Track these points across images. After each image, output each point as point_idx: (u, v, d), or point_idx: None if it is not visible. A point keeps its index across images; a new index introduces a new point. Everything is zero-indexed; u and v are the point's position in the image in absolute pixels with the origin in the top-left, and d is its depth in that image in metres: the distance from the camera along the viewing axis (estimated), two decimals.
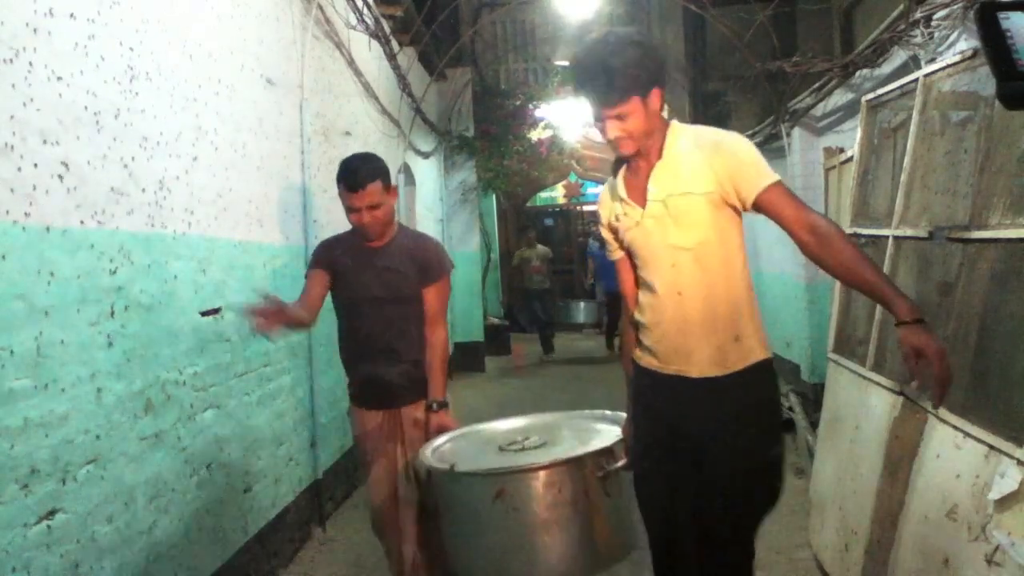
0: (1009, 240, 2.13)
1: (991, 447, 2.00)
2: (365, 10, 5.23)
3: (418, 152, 7.86)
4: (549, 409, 2.92)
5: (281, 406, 3.72)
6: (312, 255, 2.91)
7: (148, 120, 2.58)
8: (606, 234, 2.21)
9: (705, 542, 2.02)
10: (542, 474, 2.07)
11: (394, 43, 6.25)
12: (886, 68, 4.62)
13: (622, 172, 2.12)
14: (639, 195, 2.05)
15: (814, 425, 4.44)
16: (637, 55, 1.90)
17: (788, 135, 6.49)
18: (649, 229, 2.03)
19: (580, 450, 2.19)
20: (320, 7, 4.48)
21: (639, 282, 2.14)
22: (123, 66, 2.44)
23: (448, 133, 9.18)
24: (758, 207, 1.94)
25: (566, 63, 9.77)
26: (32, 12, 2.03)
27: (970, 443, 2.11)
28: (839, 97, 5.63)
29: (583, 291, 13.49)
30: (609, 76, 1.90)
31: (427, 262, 2.78)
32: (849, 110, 5.52)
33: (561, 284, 12.00)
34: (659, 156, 2.02)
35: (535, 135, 10.60)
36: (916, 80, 2.87)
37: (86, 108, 2.24)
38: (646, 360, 2.14)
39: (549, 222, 15.58)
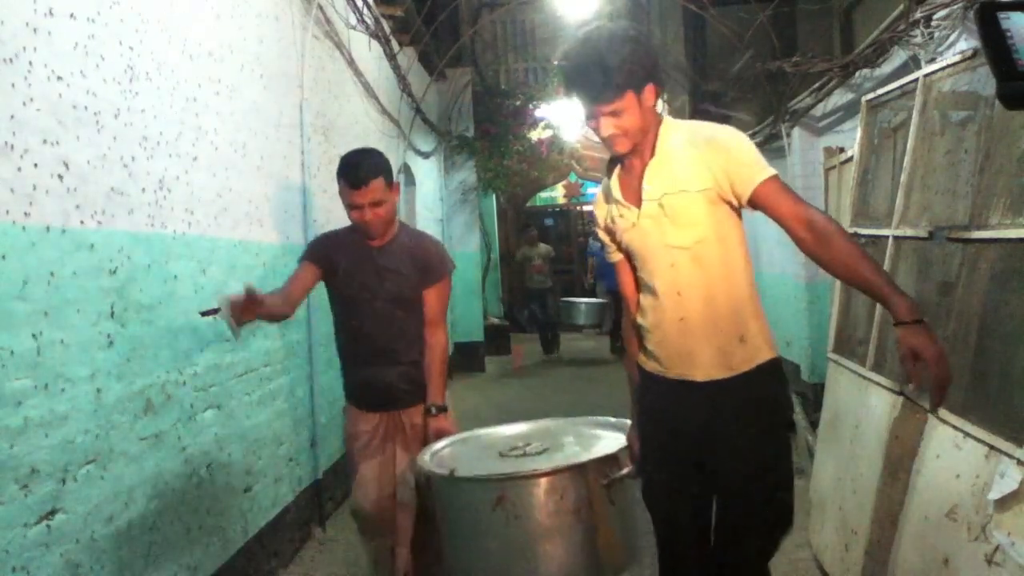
0: (1009, 240, 2.13)
1: (991, 447, 2.00)
2: (365, 10, 5.23)
3: (418, 152, 7.86)
4: (550, 410, 2.89)
5: (281, 406, 3.72)
6: (308, 246, 2.84)
7: (148, 120, 2.58)
8: (603, 236, 2.16)
9: (721, 562, 1.95)
10: (544, 481, 2.02)
11: (394, 43, 6.25)
12: (886, 68, 4.62)
13: (616, 172, 2.07)
14: (634, 195, 2.00)
15: (814, 425, 4.44)
16: (631, 49, 1.85)
17: (788, 135, 6.49)
18: (646, 230, 1.98)
19: (583, 457, 2.14)
20: (320, 7, 4.48)
21: (639, 284, 2.09)
22: (123, 66, 2.44)
23: (448, 133, 9.18)
24: (754, 203, 1.88)
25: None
26: (32, 12, 2.03)
27: (970, 443, 2.11)
28: (839, 97, 5.63)
29: (583, 291, 13.48)
30: (603, 71, 1.83)
31: (429, 262, 2.72)
32: (849, 110, 5.52)
33: (561, 284, 11.97)
34: (652, 154, 1.96)
35: (535, 135, 10.60)
36: (916, 80, 2.87)
37: (86, 108, 2.24)
38: (650, 365, 2.08)
39: (549, 222, 15.59)
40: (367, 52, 5.63)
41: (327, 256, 2.72)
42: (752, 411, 1.93)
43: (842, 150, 4.82)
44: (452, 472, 2.12)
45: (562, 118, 10.51)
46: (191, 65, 2.90)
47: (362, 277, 2.69)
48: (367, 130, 5.71)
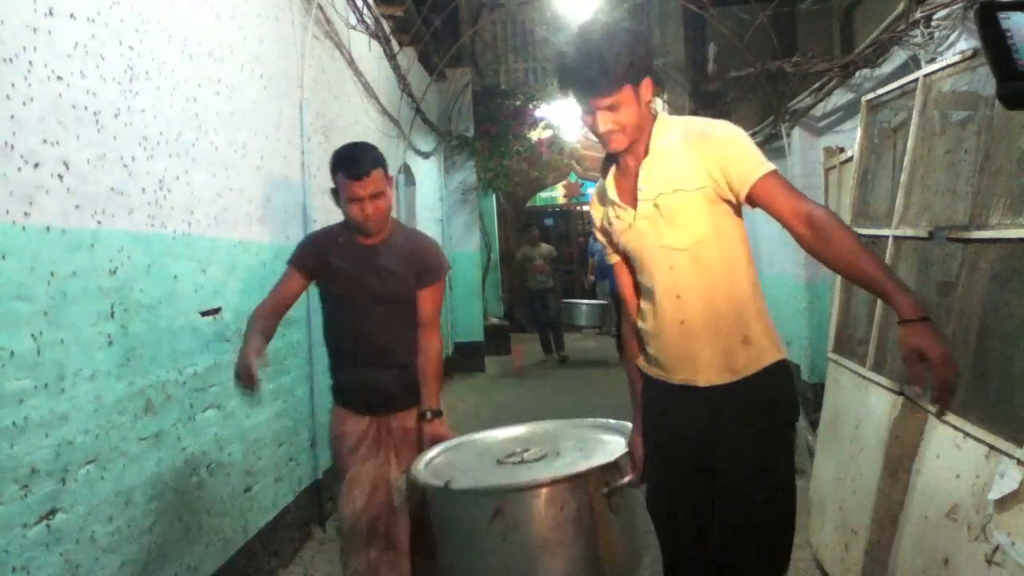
0: (1009, 240, 2.13)
1: (991, 447, 2.00)
2: (365, 10, 5.23)
3: (418, 152, 7.86)
4: (550, 411, 2.86)
5: (281, 406, 3.72)
6: (297, 247, 2.75)
7: (148, 120, 2.58)
8: (601, 237, 2.11)
9: (722, 562, 1.90)
10: (543, 492, 1.94)
11: (394, 43, 6.25)
12: (886, 68, 4.62)
13: (612, 172, 2.01)
14: (629, 196, 1.95)
15: (814, 425, 4.44)
16: (629, 42, 1.82)
17: (788, 135, 6.49)
18: (642, 231, 1.93)
19: (583, 465, 2.05)
20: (320, 7, 4.48)
21: (637, 287, 2.03)
22: (123, 66, 2.44)
23: (448, 133, 9.18)
24: (752, 200, 1.82)
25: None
26: (32, 12, 2.03)
27: (970, 443, 2.11)
28: (839, 97, 5.63)
29: (583, 291, 13.48)
30: (601, 63, 1.79)
31: (426, 263, 2.65)
32: (849, 110, 5.52)
33: (561, 284, 11.97)
34: (646, 153, 1.91)
35: (535, 135, 10.60)
36: (916, 80, 2.87)
37: (86, 108, 2.24)
38: (652, 370, 2.02)
39: (549, 222, 15.60)
40: (367, 52, 5.63)
41: (317, 258, 2.65)
42: (755, 414, 1.88)
43: (842, 150, 4.82)
44: (447, 484, 2.03)
45: (562, 118, 10.51)
46: (191, 65, 2.90)
47: (356, 276, 2.61)
48: (367, 130, 5.71)
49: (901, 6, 4.08)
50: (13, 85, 1.94)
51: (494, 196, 11.51)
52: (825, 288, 5.50)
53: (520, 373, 9.46)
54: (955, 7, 3.61)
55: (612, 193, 2.00)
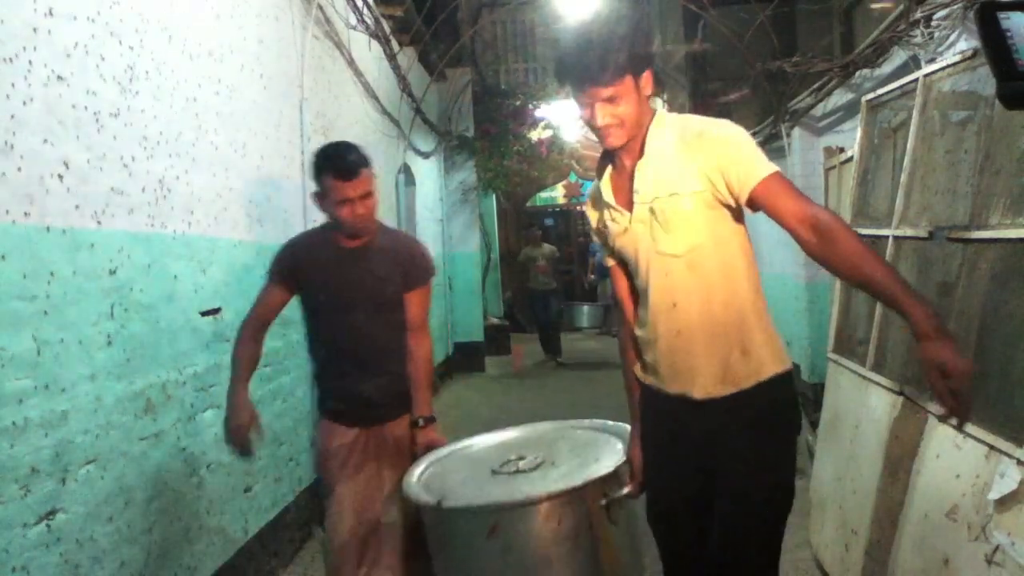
0: (1009, 240, 2.13)
1: (991, 447, 2.00)
2: (365, 10, 5.23)
3: (418, 152, 7.86)
4: (550, 411, 2.82)
5: (281, 406, 3.72)
6: (274, 259, 2.57)
7: (148, 120, 2.58)
8: (598, 239, 2.03)
9: (721, 562, 1.84)
10: (539, 508, 1.87)
11: (394, 43, 6.26)
12: (886, 68, 4.62)
13: (608, 172, 1.93)
14: (625, 198, 1.86)
15: (814, 425, 4.44)
16: (630, 31, 1.76)
17: (788, 135, 6.50)
18: (638, 235, 1.84)
19: (580, 475, 1.96)
20: (320, 7, 4.48)
21: (634, 293, 1.96)
22: (123, 66, 2.44)
23: (448, 133, 9.18)
24: (753, 203, 1.73)
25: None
26: (32, 12, 2.03)
27: (970, 443, 2.11)
28: (839, 97, 5.64)
29: (583, 291, 13.49)
30: (603, 51, 1.70)
31: (413, 265, 2.55)
32: (849, 110, 5.52)
33: (562, 284, 11.99)
34: (642, 152, 1.82)
35: (535, 135, 10.60)
36: (916, 80, 2.87)
37: (86, 108, 2.24)
38: (649, 379, 1.95)
39: (549, 222, 15.61)
40: (367, 52, 5.63)
41: (295, 268, 2.52)
42: (753, 425, 1.81)
43: (842, 150, 4.82)
44: (439, 503, 1.95)
45: (562, 118, 10.51)
46: (191, 65, 2.90)
47: (339, 282, 2.48)
48: (367, 130, 5.71)
49: (901, 6, 4.09)
50: (13, 85, 1.94)
51: (494, 196, 11.51)
52: (825, 288, 5.50)
53: (520, 373, 9.45)
54: (955, 7, 3.61)
55: (607, 195, 1.91)
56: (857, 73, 5.05)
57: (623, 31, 1.75)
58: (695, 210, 1.77)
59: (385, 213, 6.19)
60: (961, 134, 2.62)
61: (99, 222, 2.29)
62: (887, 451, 2.64)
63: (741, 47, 6.28)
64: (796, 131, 6.40)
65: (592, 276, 11.73)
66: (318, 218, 4.20)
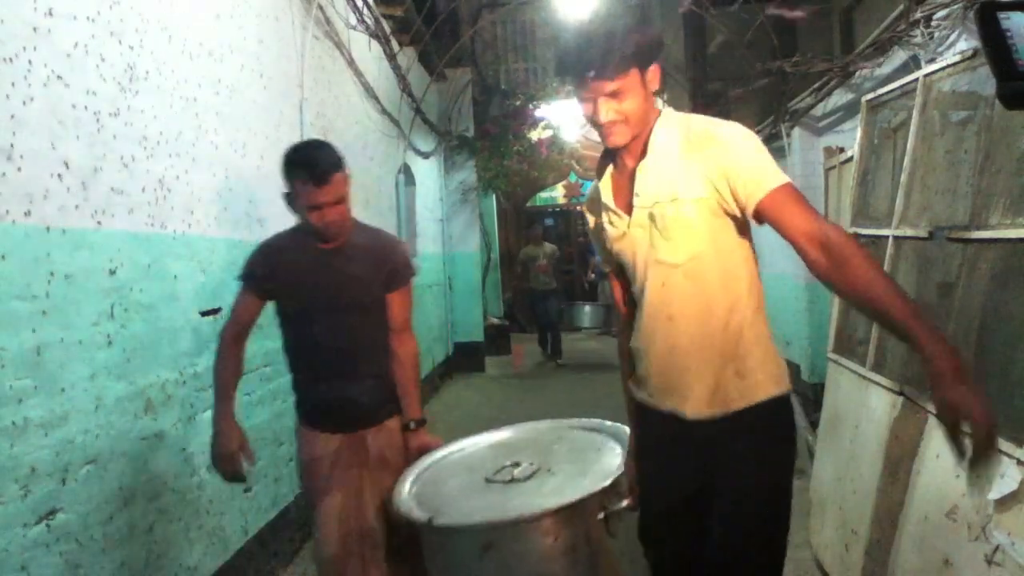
0: (1009, 240, 2.13)
1: None
2: (365, 10, 5.24)
3: (418, 152, 7.86)
4: (550, 412, 2.77)
5: (281, 406, 3.72)
6: (247, 264, 2.46)
7: (148, 120, 2.58)
8: (594, 242, 1.95)
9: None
10: (535, 524, 1.80)
11: (394, 43, 6.26)
12: (886, 68, 4.62)
13: (608, 172, 1.83)
14: (625, 200, 1.77)
15: (814, 425, 4.44)
16: (636, 23, 1.69)
17: (788, 135, 6.50)
18: (636, 240, 1.75)
19: (578, 487, 1.89)
20: (320, 7, 4.48)
21: (631, 300, 1.88)
22: (123, 66, 2.44)
23: (448, 133, 9.18)
24: (760, 216, 1.62)
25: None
26: (32, 12, 2.03)
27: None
28: (839, 97, 5.64)
29: (583, 290, 13.50)
30: (608, 42, 1.61)
31: (393, 264, 2.45)
32: (849, 110, 5.52)
33: (562, 284, 12.00)
34: (644, 153, 1.72)
35: (535, 135, 10.59)
36: (916, 80, 2.87)
37: (86, 108, 2.24)
38: (640, 394, 1.86)
39: (549, 222, 15.61)
40: (367, 52, 5.63)
41: (267, 274, 2.42)
42: (746, 457, 1.72)
43: (842, 150, 4.83)
44: (431, 520, 1.88)
45: (562, 118, 10.52)
46: (191, 65, 2.90)
47: (314, 285, 2.39)
48: (367, 130, 5.71)
49: (901, 6, 4.09)
50: (13, 85, 1.94)
51: (494, 196, 11.51)
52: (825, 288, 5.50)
53: (520, 373, 9.46)
54: (955, 7, 3.61)
55: (607, 196, 1.82)
56: (857, 73, 5.05)
57: (628, 25, 1.67)
58: (697, 217, 1.67)
59: (385, 213, 6.19)
60: (961, 134, 2.62)
61: (99, 222, 2.29)
62: (887, 451, 2.64)
63: (741, 47, 6.28)
64: (796, 131, 6.40)
65: (592, 275, 11.73)
66: None
